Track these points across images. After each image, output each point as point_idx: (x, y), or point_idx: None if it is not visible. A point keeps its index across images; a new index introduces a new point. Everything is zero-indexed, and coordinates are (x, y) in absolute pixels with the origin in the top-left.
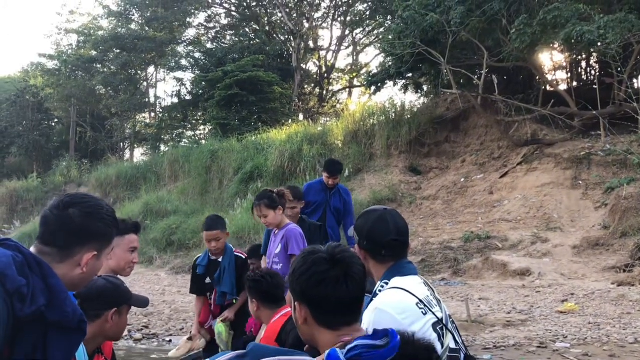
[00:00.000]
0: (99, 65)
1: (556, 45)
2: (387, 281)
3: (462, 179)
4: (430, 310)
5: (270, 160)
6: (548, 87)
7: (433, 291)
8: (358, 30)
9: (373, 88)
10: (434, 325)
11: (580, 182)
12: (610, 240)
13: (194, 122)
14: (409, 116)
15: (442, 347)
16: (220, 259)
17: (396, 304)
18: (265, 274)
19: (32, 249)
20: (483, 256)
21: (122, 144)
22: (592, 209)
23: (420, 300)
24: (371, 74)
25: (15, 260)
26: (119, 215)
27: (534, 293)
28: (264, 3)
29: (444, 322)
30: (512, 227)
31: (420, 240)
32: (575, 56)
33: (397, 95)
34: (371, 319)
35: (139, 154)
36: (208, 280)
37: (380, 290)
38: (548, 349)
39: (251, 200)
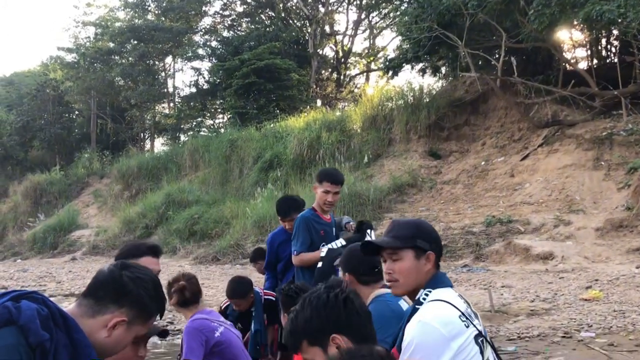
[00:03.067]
0: (117, 57)
1: (575, 24)
2: (430, 290)
3: (483, 162)
4: (472, 323)
5: (289, 148)
6: (568, 67)
7: (469, 305)
8: (374, 14)
9: (390, 72)
10: (476, 338)
11: (602, 163)
12: (634, 221)
13: (212, 111)
14: (427, 100)
15: (483, 359)
16: (252, 308)
17: (440, 317)
18: (299, 290)
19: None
20: (505, 240)
21: (142, 134)
22: (614, 190)
23: (462, 313)
24: (388, 58)
25: (40, 313)
26: (142, 206)
27: (557, 279)
28: None
29: (484, 334)
30: (534, 210)
31: (442, 225)
32: (595, 35)
33: (415, 79)
34: (415, 331)
35: (160, 144)
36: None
37: (423, 299)
38: (573, 339)
39: (271, 189)
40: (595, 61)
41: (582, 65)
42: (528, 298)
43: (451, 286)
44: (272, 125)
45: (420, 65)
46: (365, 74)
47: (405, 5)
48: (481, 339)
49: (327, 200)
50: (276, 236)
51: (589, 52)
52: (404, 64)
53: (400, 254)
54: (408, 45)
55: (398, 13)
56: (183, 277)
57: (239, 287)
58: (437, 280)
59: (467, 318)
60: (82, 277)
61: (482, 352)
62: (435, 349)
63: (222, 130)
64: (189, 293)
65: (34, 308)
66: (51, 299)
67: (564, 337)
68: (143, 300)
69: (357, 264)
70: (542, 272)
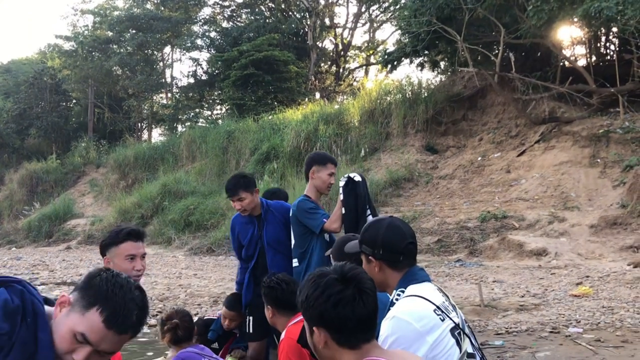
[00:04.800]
0: (115, 46)
1: (575, 21)
2: (403, 289)
3: (479, 158)
4: (448, 316)
5: (287, 140)
6: (566, 64)
7: (448, 297)
8: (374, 7)
9: (389, 66)
10: (452, 331)
11: (599, 160)
12: (628, 219)
13: (210, 102)
14: (425, 94)
15: (460, 351)
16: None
17: (414, 312)
18: (281, 281)
19: None
20: (499, 236)
21: (139, 124)
22: (610, 188)
23: (438, 307)
24: (387, 52)
25: (8, 304)
26: (137, 196)
27: (548, 275)
28: None
29: (461, 326)
30: (529, 207)
31: (437, 220)
32: (594, 32)
33: (413, 73)
34: (389, 327)
35: (157, 135)
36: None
37: (397, 299)
38: (560, 334)
39: (268, 181)
40: (594, 58)
41: (581, 62)
42: (518, 293)
43: (428, 280)
44: (269, 117)
45: (419, 59)
46: (364, 67)
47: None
48: (458, 331)
49: (331, 182)
50: (235, 220)
51: (587, 49)
52: (402, 58)
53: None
54: (407, 39)
55: (398, 7)
56: (176, 314)
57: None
58: (409, 278)
59: (442, 311)
60: (75, 266)
61: (459, 344)
62: (411, 344)
63: (220, 121)
64: (181, 331)
65: (2, 298)
66: (42, 287)
67: (551, 332)
68: (111, 298)
69: (347, 254)
70: (534, 268)
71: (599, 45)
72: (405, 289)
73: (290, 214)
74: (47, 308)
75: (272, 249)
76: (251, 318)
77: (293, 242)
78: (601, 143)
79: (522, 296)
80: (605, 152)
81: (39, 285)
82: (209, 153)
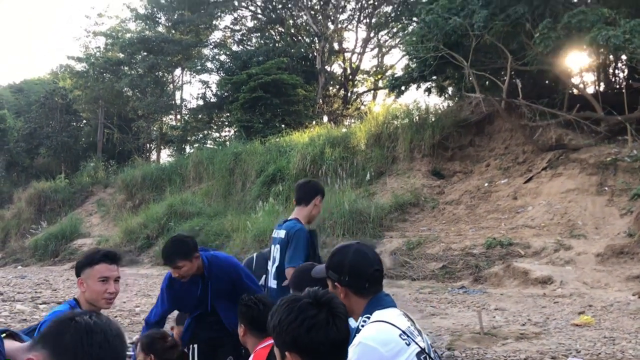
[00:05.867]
0: (126, 68)
1: (582, 49)
2: (368, 315)
3: (486, 184)
4: (414, 341)
5: (293, 162)
6: (574, 91)
7: (413, 322)
8: (383, 32)
9: (396, 91)
10: (418, 355)
11: (606, 189)
12: (635, 248)
13: (219, 123)
14: (432, 119)
15: None
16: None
17: (380, 337)
18: (259, 301)
19: None
20: (505, 263)
21: (148, 145)
22: (617, 216)
23: (403, 332)
24: (394, 77)
25: None
26: (144, 217)
27: (551, 304)
28: (289, 6)
29: (427, 351)
30: (535, 234)
31: (442, 245)
32: (603, 60)
33: (421, 98)
34: (356, 353)
35: (166, 156)
36: None
37: (362, 325)
38: None
39: (273, 204)
40: (602, 86)
41: (590, 89)
42: (519, 321)
43: (394, 306)
44: (276, 140)
45: (426, 84)
46: (372, 91)
47: (413, 24)
48: (424, 355)
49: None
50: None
51: (596, 76)
52: (409, 84)
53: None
54: (414, 65)
55: (405, 32)
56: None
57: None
58: (374, 304)
59: (408, 336)
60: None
61: None
62: None
63: (228, 143)
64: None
65: None
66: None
67: None
68: (65, 349)
69: (306, 284)
70: (539, 296)
71: (607, 73)
72: (371, 314)
73: (289, 233)
74: (7, 345)
75: (223, 304)
76: (196, 346)
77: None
78: (609, 171)
79: (523, 324)
80: (612, 180)
81: (40, 304)
82: (215, 174)
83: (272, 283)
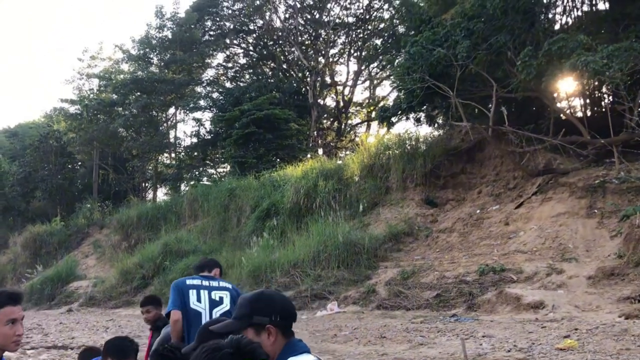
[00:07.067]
0: (119, 109)
1: (565, 74)
2: None
3: (478, 211)
4: None
5: (287, 196)
6: (562, 116)
7: None
8: (374, 65)
9: (385, 122)
10: None
11: (596, 211)
12: (625, 269)
13: (215, 160)
14: (423, 148)
15: None
16: None
17: None
18: (175, 349)
19: None
20: (497, 289)
21: (144, 184)
22: (607, 238)
23: None
24: (383, 109)
25: None
26: (139, 257)
27: (539, 328)
28: (280, 42)
29: None
30: (527, 259)
31: (436, 274)
32: (586, 84)
33: (413, 128)
34: None
35: (162, 194)
36: None
37: None
38: None
39: (267, 239)
40: (588, 110)
41: (578, 113)
42: (505, 348)
43: (308, 352)
44: (270, 174)
45: (415, 115)
46: (366, 123)
47: (400, 56)
48: None
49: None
50: None
51: (582, 100)
52: (398, 114)
53: (245, 334)
54: (403, 96)
55: (394, 64)
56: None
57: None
58: (289, 349)
59: None
60: (70, 329)
61: None
62: None
63: (224, 179)
64: None
65: None
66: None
67: None
68: None
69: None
70: (529, 321)
71: (593, 97)
72: None
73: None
74: None
75: None
76: None
77: None
78: (597, 193)
79: (509, 351)
80: (602, 202)
81: (28, 349)
82: (211, 211)
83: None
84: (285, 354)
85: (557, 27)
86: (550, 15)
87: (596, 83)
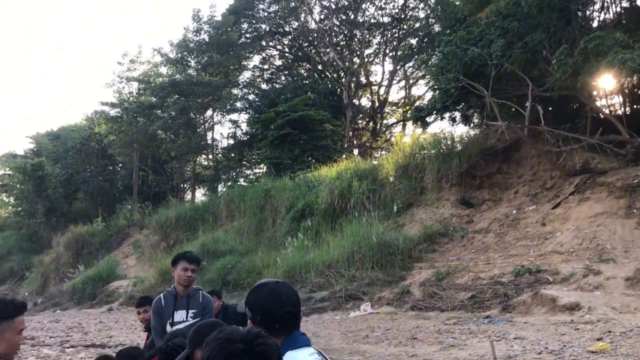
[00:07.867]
0: (158, 111)
1: (602, 72)
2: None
3: (515, 211)
4: None
5: (321, 197)
6: (599, 114)
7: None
8: (409, 64)
9: (419, 122)
10: None
11: (635, 211)
12: None
13: (252, 161)
14: (459, 148)
15: None
16: None
17: None
18: (179, 347)
19: None
20: (533, 291)
21: (182, 185)
22: None
23: None
24: (417, 109)
25: None
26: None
27: (572, 330)
28: (315, 43)
29: None
30: (563, 260)
31: (471, 275)
32: (624, 82)
33: (449, 127)
34: None
35: (200, 195)
36: None
37: None
38: None
39: (302, 239)
40: (627, 108)
41: (618, 110)
42: (536, 350)
43: (308, 345)
44: (305, 175)
45: (449, 114)
46: (402, 122)
47: (435, 56)
48: None
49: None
50: None
51: (620, 98)
52: (433, 114)
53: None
54: (437, 95)
55: (429, 64)
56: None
57: None
58: (289, 343)
59: None
60: (109, 328)
61: None
62: None
63: (260, 180)
64: None
65: None
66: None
67: None
68: None
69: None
70: (564, 323)
71: (631, 94)
72: (284, 355)
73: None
74: None
75: None
76: None
77: None
78: (636, 193)
79: (539, 353)
80: None
81: (68, 347)
82: (247, 212)
83: None
84: (283, 347)
85: (594, 24)
86: (587, 13)
87: (635, 81)
